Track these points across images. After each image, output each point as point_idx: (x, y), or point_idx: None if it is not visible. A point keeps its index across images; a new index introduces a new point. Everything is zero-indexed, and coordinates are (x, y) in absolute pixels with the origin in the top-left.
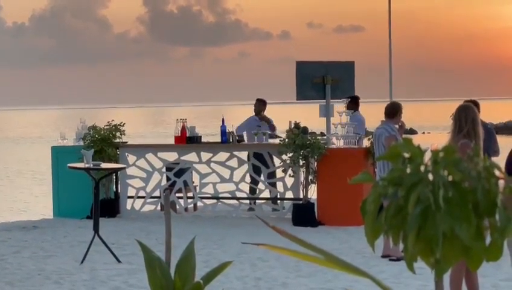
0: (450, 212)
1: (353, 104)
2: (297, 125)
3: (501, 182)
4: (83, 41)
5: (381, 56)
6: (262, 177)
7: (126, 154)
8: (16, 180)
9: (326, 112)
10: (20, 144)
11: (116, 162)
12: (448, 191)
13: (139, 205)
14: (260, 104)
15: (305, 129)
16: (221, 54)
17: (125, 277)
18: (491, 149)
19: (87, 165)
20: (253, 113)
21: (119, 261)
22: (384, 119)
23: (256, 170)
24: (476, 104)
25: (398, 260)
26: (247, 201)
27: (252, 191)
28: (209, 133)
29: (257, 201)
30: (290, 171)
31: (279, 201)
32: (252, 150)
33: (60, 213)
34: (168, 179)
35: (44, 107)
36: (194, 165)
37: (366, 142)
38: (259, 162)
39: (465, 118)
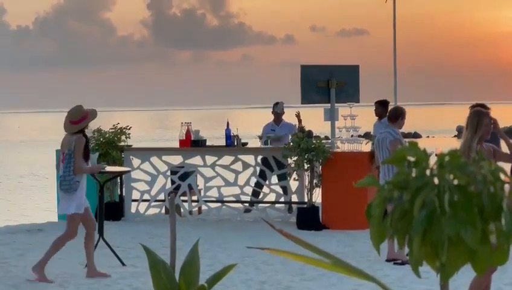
0: (455, 216)
1: (383, 109)
2: (301, 129)
3: (507, 186)
4: (86, 45)
5: (385, 60)
6: (267, 182)
7: (131, 157)
8: (21, 183)
9: (331, 116)
10: (25, 146)
11: (121, 165)
12: (453, 195)
13: (143, 208)
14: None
15: (309, 133)
16: (225, 57)
17: (129, 280)
18: None
19: None
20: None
21: (123, 264)
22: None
23: (262, 174)
24: (483, 107)
25: (403, 263)
26: (253, 204)
27: (255, 194)
28: (214, 137)
29: (260, 204)
30: (294, 175)
31: (283, 204)
32: (257, 154)
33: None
34: (172, 182)
35: (48, 110)
36: (198, 168)
37: (369, 146)
38: (265, 166)
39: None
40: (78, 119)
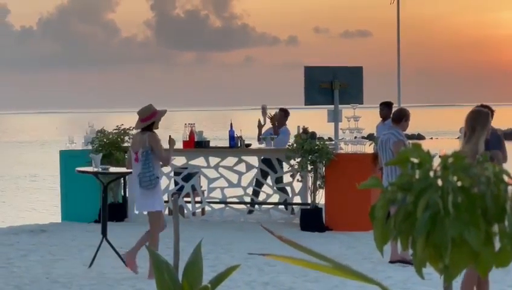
0: (459, 217)
1: (388, 110)
2: (305, 130)
3: (510, 188)
4: (90, 45)
5: (388, 61)
6: (269, 182)
7: None
8: (24, 184)
9: (335, 117)
10: (28, 147)
11: (124, 166)
12: (457, 196)
13: None
14: (281, 114)
15: (313, 134)
16: (228, 58)
17: (133, 281)
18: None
19: (95, 169)
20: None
21: (127, 265)
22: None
23: (263, 175)
24: (487, 109)
25: (408, 263)
26: (255, 205)
27: (255, 193)
28: (217, 138)
29: (263, 205)
30: (298, 176)
31: (285, 206)
32: (260, 155)
33: (68, 217)
34: (176, 183)
35: (52, 110)
36: (202, 169)
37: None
38: (267, 167)
39: (468, 124)
40: (146, 117)
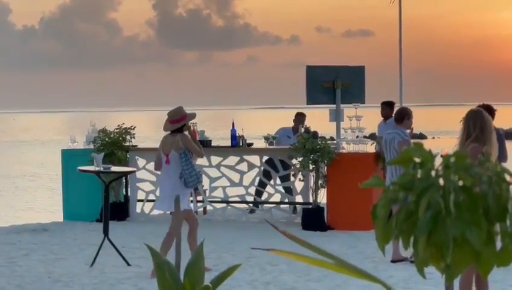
0: (460, 217)
1: (389, 109)
2: (307, 129)
3: None
4: (92, 45)
5: (390, 61)
6: (272, 182)
7: (136, 157)
8: (26, 183)
9: (337, 117)
10: (30, 147)
11: (126, 165)
12: (458, 196)
13: (148, 209)
14: (299, 118)
15: (315, 134)
16: (230, 58)
17: (134, 280)
18: (500, 155)
19: (97, 168)
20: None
21: (128, 264)
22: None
23: (266, 175)
24: (489, 109)
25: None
26: (258, 205)
27: (258, 194)
28: (219, 137)
29: (265, 205)
30: (299, 176)
31: (289, 205)
32: (262, 155)
33: (69, 216)
34: None
35: (54, 110)
36: (203, 168)
37: (373, 147)
38: (270, 167)
39: (474, 123)
40: (176, 119)
